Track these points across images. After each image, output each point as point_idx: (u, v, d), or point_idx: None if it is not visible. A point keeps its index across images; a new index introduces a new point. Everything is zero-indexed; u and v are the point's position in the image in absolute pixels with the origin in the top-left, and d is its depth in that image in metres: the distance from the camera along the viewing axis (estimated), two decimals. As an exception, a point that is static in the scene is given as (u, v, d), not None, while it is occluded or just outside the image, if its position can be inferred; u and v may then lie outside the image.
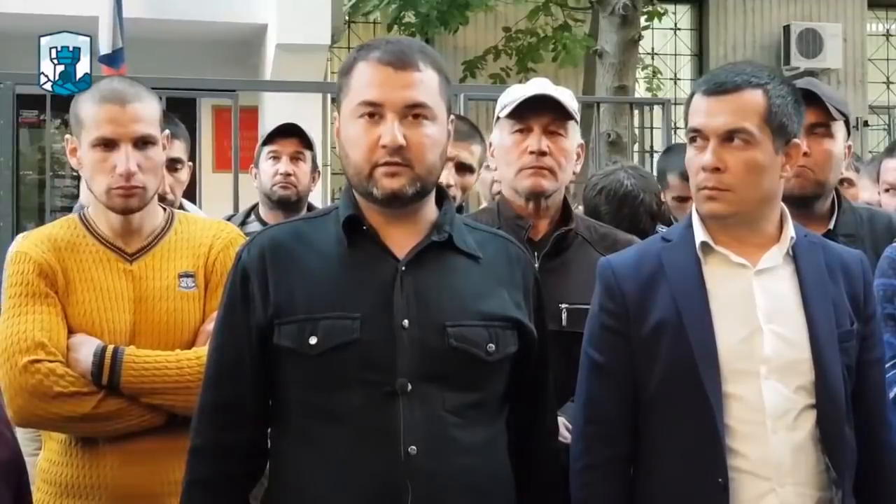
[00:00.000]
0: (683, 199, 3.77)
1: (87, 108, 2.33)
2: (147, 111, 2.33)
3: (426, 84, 1.89)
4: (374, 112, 1.87)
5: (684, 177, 3.69)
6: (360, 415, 1.82)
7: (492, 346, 1.89)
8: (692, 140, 2.04)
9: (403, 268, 1.88)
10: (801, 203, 2.46)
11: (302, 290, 1.88)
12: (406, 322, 1.84)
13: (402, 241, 1.91)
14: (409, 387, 1.82)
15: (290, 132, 3.60)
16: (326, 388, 1.85)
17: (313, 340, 1.84)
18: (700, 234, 2.05)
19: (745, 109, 1.99)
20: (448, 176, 3.07)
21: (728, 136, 1.99)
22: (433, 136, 1.89)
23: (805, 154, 2.21)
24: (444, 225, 1.94)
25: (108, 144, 2.28)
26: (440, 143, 1.92)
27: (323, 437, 1.85)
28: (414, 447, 1.80)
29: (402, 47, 1.91)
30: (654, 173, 3.84)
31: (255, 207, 3.73)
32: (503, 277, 1.97)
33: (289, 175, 3.52)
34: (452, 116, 1.99)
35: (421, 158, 1.87)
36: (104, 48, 6.14)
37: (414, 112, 1.87)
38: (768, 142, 2.00)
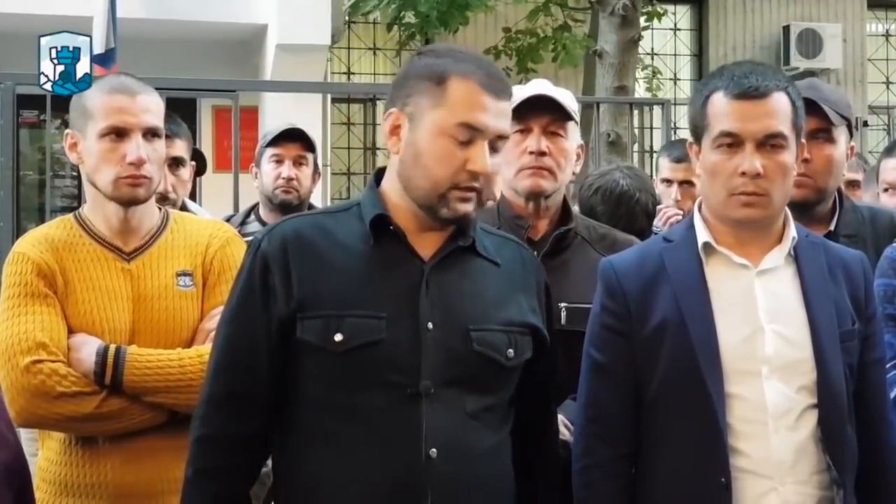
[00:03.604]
0: (671, 183, 3.78)
1: (95, 99, 2.34)
2: (155, 104, 2.35)
3: (509, 114, 1.93)
4: (471, 138, 1.86)
5: (676, 160, 3.72)
6: (381, 416, 1.81)
7: (511, 352, 1.90)
8: (724, 145, 2.01)
9: (429, 270, 1.88)
10: (802, 207, 2.46)
11: (327, 284, 1.86)
12: (430, 324, 1.84)
13: (426, 243, 1.91)
14: (433, 389, 1.82)
15: (293, 136, 3.60)
16: (348, 387, 1.83)
17: (338, 337, 1.82)
18: (702, 235, 2.06)
19: (779, 113, 2.00)
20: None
21: (764, 141, 1.99)
22: (498, 163, 1.94)
23: (805, 160, 2.22)
24: (467, 229, 1.94)
25: (118, 134, 2.29)
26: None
27: (342, 436, 1.83)
28: (434, 450, 1.80)
29: (498, 72, 1.93)
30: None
31: (255, 207, 3.74)
32: (520, 282, 1.98)
33: (291, 180, 3.55)
34: None
35: (490, 184, 1.93)
36: (97, 48, 6.13)
37: (497, 143, 1.89)
38: (794, 144, 2.02)
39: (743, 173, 1.98)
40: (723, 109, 2.01)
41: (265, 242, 1.90)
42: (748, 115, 1.99)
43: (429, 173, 1.86)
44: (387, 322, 1.83)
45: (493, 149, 1.88)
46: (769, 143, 1.99)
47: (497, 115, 1.88)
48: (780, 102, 2.01)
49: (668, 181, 3.79)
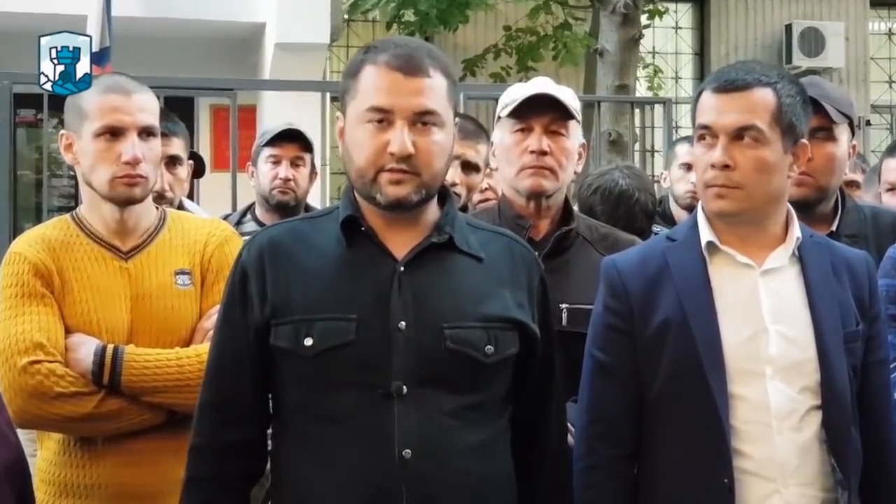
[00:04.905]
0: (690, 168, 3.76)
1: (90, 99, 2.34)
2: (150, 103, 2.36)
3: (435, 90, 1.87)
4: (382, 118, 1.85)
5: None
6: (355, 417, 1.82)
7: (490, 348, 1.87)
8: (701, 137, 2.03)
9: (402, 269, 1.87)
10: (803, 207, 2.44)
11: (299, 290, 1.87)
12: (403, 324, 1.83)
13: (402, 242, 1.90)
14: (405, 389, 1.81)
15: (290, 136, 3.59)
16: (322, 390, 1.84)
17: (308, 342, 1.83)
18: (706, 234, 2.05)
19: (756, 107, 1.99)
20: (454, 175, 3.06)
21: (738, 134, 1.98)
22: (441, 143, 1.89)
23: (808, 159, 2.20)
24: (444, 226, 1.92)
25: (113, 133, 2.29)
26: (447, 149, 1.91)
27: (319, 439, 1.84)
28: (408, 450, 1.79)
29: (410, 51, 1.88)
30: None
31: (251, 207, 3.74)
32: (506, 277, 1.95)
33: (288, 180, 3.53)
34: (457, 119, 1.98)
35: (428, 166, 1.86)
36: (92, 46, 6.12)
37: (423, 119, 1.86)
38: (778, 141, 2.00)
39: (713, 165, 1.98)
40: (704, 104, 2.03)
41: (245, 252, 1.95)
42: (722, 108, 2.00)
43: (354, 164, 1.89)
44: (357, 324, 1.83)
45: (431, 124, 1.85)
46: (743, 135, 1.98)
47: (410, 92, 1.85)
48: (759, 96, 1.99)
49: (689, 166, 3.79)
